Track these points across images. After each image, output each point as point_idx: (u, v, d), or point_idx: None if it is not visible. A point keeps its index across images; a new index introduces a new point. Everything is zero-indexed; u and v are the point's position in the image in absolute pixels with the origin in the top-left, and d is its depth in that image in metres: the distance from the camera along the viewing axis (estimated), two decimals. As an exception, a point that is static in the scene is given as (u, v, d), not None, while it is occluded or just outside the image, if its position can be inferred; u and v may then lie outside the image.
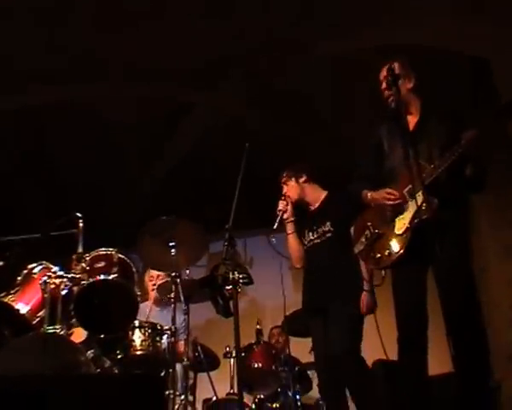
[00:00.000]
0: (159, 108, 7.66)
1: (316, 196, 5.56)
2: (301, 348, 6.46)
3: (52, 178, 8.15)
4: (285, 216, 5.48)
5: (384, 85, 4.37)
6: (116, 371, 4.88)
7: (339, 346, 4.92)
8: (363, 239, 4.47)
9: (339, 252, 5.15)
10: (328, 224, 5.31)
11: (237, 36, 6.63)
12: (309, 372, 6.76)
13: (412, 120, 4.38)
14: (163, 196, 8.37)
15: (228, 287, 4.34)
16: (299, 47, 6.79)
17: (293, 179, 5.54)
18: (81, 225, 5.08)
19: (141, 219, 7.97)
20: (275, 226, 5.36)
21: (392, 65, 4.30)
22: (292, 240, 5.55)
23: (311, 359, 6.42)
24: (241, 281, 4.30)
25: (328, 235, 5.30)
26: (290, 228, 5.54)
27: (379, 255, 4.29)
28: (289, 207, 5.50)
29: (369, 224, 4.45)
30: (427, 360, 4.14)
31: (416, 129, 4.34)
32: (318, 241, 5.36)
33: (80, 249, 4.96)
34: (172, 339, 4.93)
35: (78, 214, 5.12)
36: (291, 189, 5.52)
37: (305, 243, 5.48)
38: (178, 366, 5.10)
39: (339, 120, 7.58)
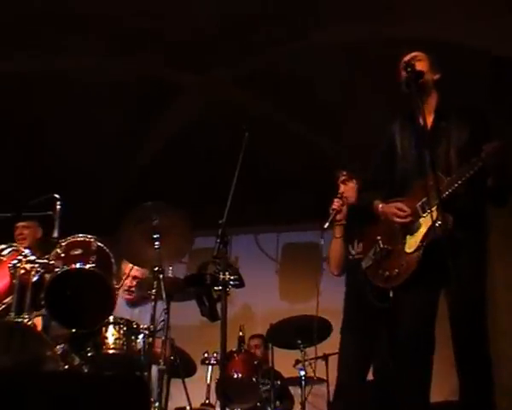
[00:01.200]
0: (148, 87, 7.46)
1: None
2: (284, 362, 6.26)
3: (31, 154, 7.88)
4: (338, 217, 5.18)
5: (403, 73, 4.09)
6: (85, 370, 4.62)
7: None
8: (372, 254, 4.26)
9: None
10: None
11: (236, 15, 6.45)
12: (291, 388, 6.57)
13: (428, 118, 4.06)
14: (147, 180, 8.21)
15: (216, 288, 4.11)
16: (300, 32, 6.67)
17: (353, 181, 5.23)
18: (58, 207, 4.83)
19: (121, 205, 7.85)
20: (326, 226, 5.09)
21: (412, 61, 4.08)
22: (337, 245, 5.24)
23: (295, 373, 6.25)
24: (231, 283, 4.07)
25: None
26: (339, 232, 5.23)
27: (387, 273, 4.09)
28: (344, 209, 5.19)
29: (378, 238, 4.22)
30: (429, 381, 3.94)
31: (432, 130, 4.06)
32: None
33: (56, 234, 4.71)
34: (150, 340, 4.66)
35: (56, 195, 4.86)
36: (350, 190, 5.21)
37: (351, 253, 5.15)
38: (154, 370, 4.83)
39: (342, 107, 7.40)
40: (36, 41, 6.77)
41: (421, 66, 4.07)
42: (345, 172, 5.26)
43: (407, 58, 4.16)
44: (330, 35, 6.87)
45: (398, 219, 4.07)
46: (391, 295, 4.25)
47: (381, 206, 4.22)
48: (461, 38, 6.34)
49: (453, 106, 4.15)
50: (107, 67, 7.20)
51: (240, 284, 4.46)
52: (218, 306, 4.48)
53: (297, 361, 6.22)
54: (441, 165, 3.90)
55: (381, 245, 4.19)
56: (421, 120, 3.93)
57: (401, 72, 4.16)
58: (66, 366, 4.53)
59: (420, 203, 4.00)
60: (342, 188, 5.22)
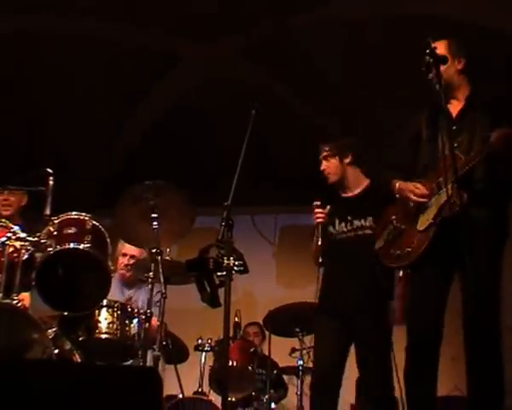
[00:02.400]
0: (144, 58, 7.34)
1: (357, 181, 5.06)
2: (279, 350, 6.21)
3: (17, 128, 7.74)
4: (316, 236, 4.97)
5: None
6: (76, 355, 4.54)
7: (379, 389, 4.60)
8: (386, 234, 4.27)
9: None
10: (369, 219, 4.82)
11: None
12: (285, 378, 6.54)
13: (456, 107, 4.13)
14: (140, 156, 8.09)
15: (219, 273, 4.02)
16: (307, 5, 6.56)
17: (336, 158, 5.01)
18: (51, 182, 4.71)
19: (113, 182, 7.74)
20: (319, 243, 4.91)
21: (432, 44, 3.99)
22: (315, 233, 5.00)
23: (289, 362, 6.21)
24: (235, 268, 4.00)
25: (368, 232, 4.79)
26: (317, 241, 4.98)
27: (398, 252, 4.11)
28: (335, 173, 5.01)
29: (393, 218, 4.26)
30: (436, 373, 3.95)
31: (459, 118, 4.09)
32: (352, 234, 4.87)
33: (48, 211, 4.58)
34: (147, 325, 4.58)
35: (49, 170, 4.74)
36: (332, 167, 5.00)
37: (331, 232, 4.98)
38: (149, 356, 4.76)
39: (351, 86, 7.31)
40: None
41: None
42: (327, 148, 5.04)
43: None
44: (334, 9, 6.76)
45: (413, 197, 4.08)
46: (400, 274, 4.37)
47: (398, 184, 4.23)
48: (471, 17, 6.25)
49: (480, 95, 4.13)
50: (104, 36, 7.02)
51: (244, 270, 4.36)
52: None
53: (293, 349, 6.18)
54: (462, 151, 3.90)
55: (395, 224, 4.23)
56: (450, 107, 3.99)
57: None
58: (57, 351, 4.45)
59: (436, 182, 4.01)
60: (324, 165, 5.02)
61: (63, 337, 4.58)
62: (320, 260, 4.93)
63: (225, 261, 3.93)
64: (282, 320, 5.89)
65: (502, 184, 3.94)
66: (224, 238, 3.97)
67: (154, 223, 4.73)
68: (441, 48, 4.07)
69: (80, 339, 4.61)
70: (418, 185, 4.10)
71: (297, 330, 5.84)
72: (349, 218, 4.89)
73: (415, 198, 4.08)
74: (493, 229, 3.91)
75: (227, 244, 3.98)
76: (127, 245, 5.53)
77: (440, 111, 4.00)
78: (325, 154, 5.03)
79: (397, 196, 4.24)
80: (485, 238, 3.82)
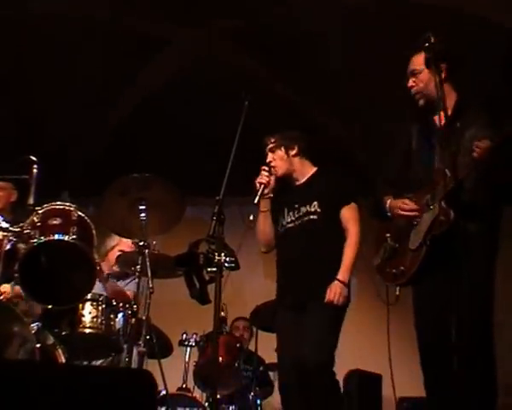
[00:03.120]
0: (128, 40, 7.24)
1: (304, 171, 5.05)
2: (265, 346, 6.19)
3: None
4: (266, 190, 4.87)
5: (410, 83, 4.18)
6: (59, 350, 4.49)
7: (313, 358, 4.51)
8: (382, 252, 4.31)
9: (324, 239, 4.77)
10: (314, 204, 4.82)
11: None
12: (271, 374, 6.53)
13: (443, 118, 4.07)
14: (126, 141, 8.02)
15: (210, 269, 4.00)
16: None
17: (282, 149, 5.00)
18: (35, 170, 4.66)
19: (99, 166, 7.66)
20: (255, 201, 4.77)
21: (429, 37, 3.96)
22: (264, 219, 5.01)
23: (275, 359, 6.19)
24: (226, 265, 3.97)
25: (313, 217, 4.81)
26: (265, 205, 4.98)
27: (394, 271, 4.16)
28: (272, 180, 4.92)
29: (387, 236, 4.29)
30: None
31: (446, 129, 4.03)
32: (298, 222, 4.86)
33: (31, 200, 4.54)
34: (133, 320, 4.55)
35: (33, 158, 4.69)
36: (278, 160, 4.98)
37: (281, 224, 4.97)
38: (134, 353, 4.73)
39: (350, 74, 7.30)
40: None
41: (422, 79, 4.13)
42: (273, 140, 5.04)
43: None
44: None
45: (401, 212, 4.12)
46: (397, 292, 4.30)
47: (389, 201, 4.26)
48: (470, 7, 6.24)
49: (470, 99, 4.12)
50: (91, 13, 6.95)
51: (235, 266, 4.34)
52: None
53: (279, 345, 6.15)
54: (450, 164, 3.85)
55: (389, 242, 4.26)
56: (436, 119, 3.97)
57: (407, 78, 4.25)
58: (39, 345, 4.40)
59: (425, 199, 4.04)
60: (270, 157, 5.00)
61: (46, 332, 4.53)
62: (264, 249, 5.09)
63: (216, 257, 3.88)
64: (270, 315, 5.85)
65: (494, 192, 3.94)
66: (215, 234, 3.92)
67: (142, 215, 4.68)
68: (418, 61, 4.13)
69: (63, 333, 4.59)
70: (407, 201, 4.13)
71: (284, 326, 5.78)
72: (296, 206, 4.89)
73: (404, 213, 4.12)
74: (485, 240, 3.93)
75: (218, 240, 3.94)
76: (124, 240, 5.51)
77: (428, 124, 4.11)
78: (271, 146, 5.02)
79: (388, 214, 4.28)
80: (478, 251, 3.83)
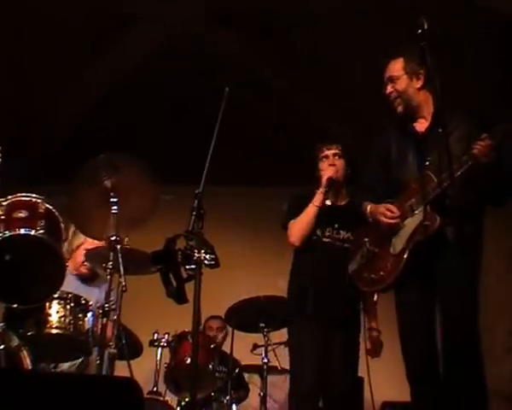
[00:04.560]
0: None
1: (344, 192, 5.29)
2: (240, 346, 6.14)
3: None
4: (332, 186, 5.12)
5: (389, 89, 4.32)
6: (24, 351, 4.38)
7: (345, 382, 4.85)
8: (359, 257, 4.44)
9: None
10: (350, 234, 5.03)
11: None
12: (247, 376, 6.48)
13: (423, 125, 4.29)
14: (90, 126, 7.88)
15: (188, 267, 3.93)
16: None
17: (343, 160, 5.21)
18: None
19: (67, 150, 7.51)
20: (323, 191, 5.08)
21: (422, 23, 3.90)
22: (313, 214, 5.07)
23: (250, 360, 6.14)
24: (206, 262, 3.90)
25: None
26: (320, 201, 5.08)
27: (373, 276, 4.28)
28: (340, 175, 5.16)
29: (366, 240, 4.42)
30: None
31: (427, 136, 4.22)
32: (338, 245, 5.04)
33: (-5, 192, 4.42)
34: (104, 320, 4.45)
35: (-5, 144, 4.55)
36: (342, 168, 5.19)
37: (316, 233, 5.08)
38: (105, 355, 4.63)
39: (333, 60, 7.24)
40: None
41: (400, 85, 4.27)
42: (340, 147, 5.23)
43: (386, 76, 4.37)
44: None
45: (384, 219, 4.21)
46: (375, 298, 4.64)
47: (369, 207, 4.37)
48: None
49: (452, 109, 4.09)
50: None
51: (215, 264, 4.28)
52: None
53: (255, 346, 6.11)
54: (434, 170, 4.00)
55: (368, 247, 4.38)
56: (416, 125, 4.23)
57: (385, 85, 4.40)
58: (2, 347, 4.29)
59: (408, 204, 4.15)
60: (337, 162, 5.17)
61: (10, 332, 4.41)
62: (297, 243, 5.06)
63: (196, 254, 3.81)
64: (245, 314, 5.80)
65: (480, 198, 4.07)
66: (195, 229, 3.85)
67: (114, 207, 4.58)
68: (396, 67, 4.30)
69: (29, 334, 4.49)
70: (389, 206, 4.23)
71: (262, 325, 5.73)
72: (335, 226, 5.07)
73: (386, 221, 4.20)
74: (469, 248, 3.92)
75: (197, 236, 3.88)
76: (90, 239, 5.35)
77: (407, 130, 4.28)
78: (337, 152, 5.19)
79: (369, 219, 4.38)
80: (461, 259, 3.86)
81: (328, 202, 5.10)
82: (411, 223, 4.09)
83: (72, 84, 7.86)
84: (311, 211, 5.06)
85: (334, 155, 5.18)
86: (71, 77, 7.69)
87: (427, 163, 4.04)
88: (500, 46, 6.30)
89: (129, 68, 7.68)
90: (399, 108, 4.30)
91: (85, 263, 5.37)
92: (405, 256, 4.07)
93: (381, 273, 4.20)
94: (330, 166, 5.10)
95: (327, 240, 5.04)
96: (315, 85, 7.52)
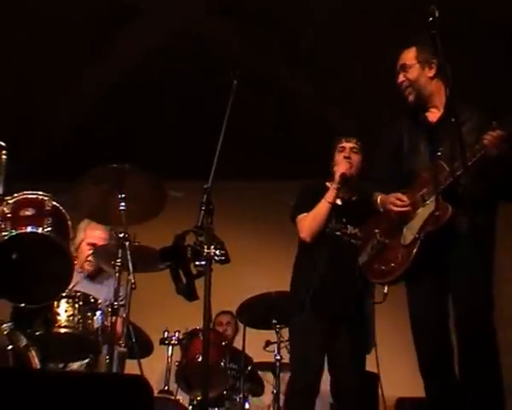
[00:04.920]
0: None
1: (356, 188, 5.19)
2: (253, 343, 6.10)
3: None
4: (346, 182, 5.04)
5: (401, 78, 4.31)
6: (33, 351, 4.37)
7: (357, 377, 4.80)
8: (369, 249, 4.41)
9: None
10: (358, 230, 4.98)
11: None
12: (260, 373, 6.44)
13: (435, 115, 4.27)
14: (90, 126, 7.86)
15: (198, 263, 3.90)
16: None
17: (360, 156, 5.14)
18: (4, 157, 4.51)
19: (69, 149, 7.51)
20: (336, 187, 4.99)
21: (433, 11, 3.85)
22: (326, 210, 4.99)
23: (265, 358, 6.11)
24: (216, 258, 3.87)
25: (359, 243, 4.87)
26: (333, 197, 5.00)
27: (383, 268, 4.24)
28: (354, 171, 5.07)
29: (376, 231, 4.39)
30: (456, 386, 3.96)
31: (439, 126, 4.19)
32: (346, 239, 4.99)
33: (0, 189, 4.40)
34: (113, 319, 4.44)
35: (1, 143, 4.54)
36: (357, 163, 5.11)
37: (329, 225, 5.02)
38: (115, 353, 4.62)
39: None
40: None
41: (412, 74, 4.26)
42: (359, 142, 5.17)
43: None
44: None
45: (395, 209, 4.19)
46: (385, 291, 4.37)
47: (380, 197, 4.35)
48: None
49: (464, 100, 4.10)
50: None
51: (225, 259, 4.25)
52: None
53: (267, 343, 6.07)
54: (446, 159, 3.96)
55: (378, 238, 4.35)
56: (428, 115, 4.21)
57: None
58: (10, 347, 4.29)
59: (420, 194, 4.11)
60: (353, 157, 5.09)
61: (18, 332, 4.41)
62: (309, 239, 4.97)
63: (205, 250, 3.79)
64: (257, 310, 5.78)
65: (491, 189, 4.00)
66: (204, 225, 3.83)
67: (121, 204, 4.59)
68: (408, 56, 4.30)
69: (37, 334, 4.50)
70: (400, 196, 4.19)
71: (274, 321, 5.71)
72: (343, 220, 5.02)
73: (397, 209, 4.18)
74: (482, 238, 3.91)
75: (207, 231, 3.85)
76: (89, 232, 5.41)
77: (418, 120, 4.26)
78: (354, 147, 5.13)
79: (380, 209, 4.36)
80: (474, 249, 3.81)
81: (338, 202, 5.03)
82: (423, 213, 4.06)
83: (72, 84, 7.83)
84: (323, 207, 4.99)
85: (352, 148, 5.11)
86: (71, 77, 7.66)
87: (439, 153, 4.01)
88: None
89: (129, 68, 7.66)
90: (411, 97, 4.29)
91: (89, 259, 5.37)
92: (416, 247, 4.03)
93: (392, 265, 4.17)
94: (345, 158, 5.03)
95: (337, 233, 5.00)
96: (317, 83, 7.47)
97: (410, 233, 4.10)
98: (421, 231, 4.02)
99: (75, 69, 7.63)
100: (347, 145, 5.10)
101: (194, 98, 7.49)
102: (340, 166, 4.99)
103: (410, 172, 4.27)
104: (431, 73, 4.26)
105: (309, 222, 5.01)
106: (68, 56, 7.40)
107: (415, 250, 4.03)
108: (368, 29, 6.62)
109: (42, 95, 7.73)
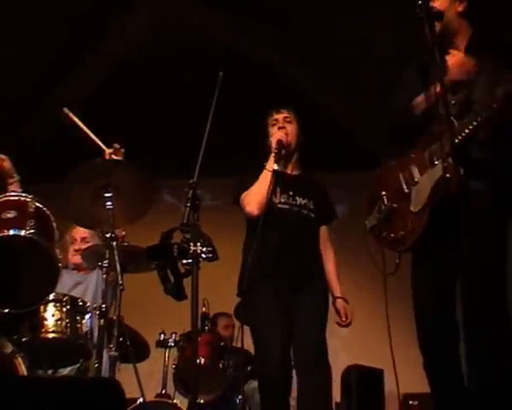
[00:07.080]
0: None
1: (298, 165, 5.22)
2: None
3: None
4: (283, 152, 5.01)
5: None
6: (19, 358, 4.40)
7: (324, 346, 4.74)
8: (376, 212, 4.16)
9: (315, 241, 5.04)
10: (311, 203, 5.01)
11: None
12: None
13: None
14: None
15: (185, 261, 3.92)
16: None
17: (296, 125, 5.17)
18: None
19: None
20: (274, 157, 4.95)
21: None
22: (268, 179, 4.92)
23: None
24: (203, 256, 3.88)
25: (311, 215, 4.99)
26: (272, 164, 4.94)
27: (392, 235, 4.02)
28: (292, 140, 5.08)
29: (383, 194, 4.13)
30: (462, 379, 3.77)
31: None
32: (295, 210, 4.97)
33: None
34: (102, 322, 4.46)
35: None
36: (293, 132, 5.12)
37: (274, 200, 4.96)
38: (104, 356, 4.64)
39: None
40: None
41: (441, 4, 3.89)
42: (291, 111, 5.19)
43: None
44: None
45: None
46: (397, 261, 4.15)
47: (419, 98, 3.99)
48: None
49: (487, 39, 3.96)
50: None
51: (213, 257, 4.27)
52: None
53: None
54: (460, 111, 3.75)
55: (386, 202, 4.12)
56: (448, 59, 3.85)
57: None
58: (-4, 355, 4.33)
59: (428, 152, 3.87)
60: (288, 127, 5.10)
61: (3, 339, 4.44)
62: (256, 212, 4.91)
63: (192, 247, 3.80)
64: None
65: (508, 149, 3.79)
66: (190, 221, 3.84)
67: (108, 203, 4.58)
68: None
69: (24, 340, 4.52)
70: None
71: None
72: (290, 193, 4.99)
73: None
74: (496, 205, 3.79)
75: (193, 228, 3.86)
76: (76, 228, 5.47)
77: (433, 62, 3.72)
78: (288, 117, 5.15)
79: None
80: (488, 218, 3.72)
81: (275, 167, 4.93)
82: (431, 175, 3.82)
83: (63, 82, 7.87)
84: (265, 176, 4.95)
85: (285, 118, 5.12)
86: (62, 74, 7.69)
87: (453, 102, 3.76)
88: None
89: (121, 62, 7.72)
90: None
91: (76, 248, 5.48)
92: (427, 216, 3.82)
93: (402, 233, 3.97)
94: (280, 129, 5.04)
95: (284, 206, 4.96)
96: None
97: (419, 198, 3.89)
98: (432, 197, 3.81)
99: (66, 67, 7.68)
100: (279, 116, 5.12)
101: (185, 90, 7.51)
102: (276, 135, 5.00)
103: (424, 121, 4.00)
104: (460, 8, 4.01)
105: (253, 194, 4.98)
106: (60, 54, 7.46)
107: (425, 219, 3.83)
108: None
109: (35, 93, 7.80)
